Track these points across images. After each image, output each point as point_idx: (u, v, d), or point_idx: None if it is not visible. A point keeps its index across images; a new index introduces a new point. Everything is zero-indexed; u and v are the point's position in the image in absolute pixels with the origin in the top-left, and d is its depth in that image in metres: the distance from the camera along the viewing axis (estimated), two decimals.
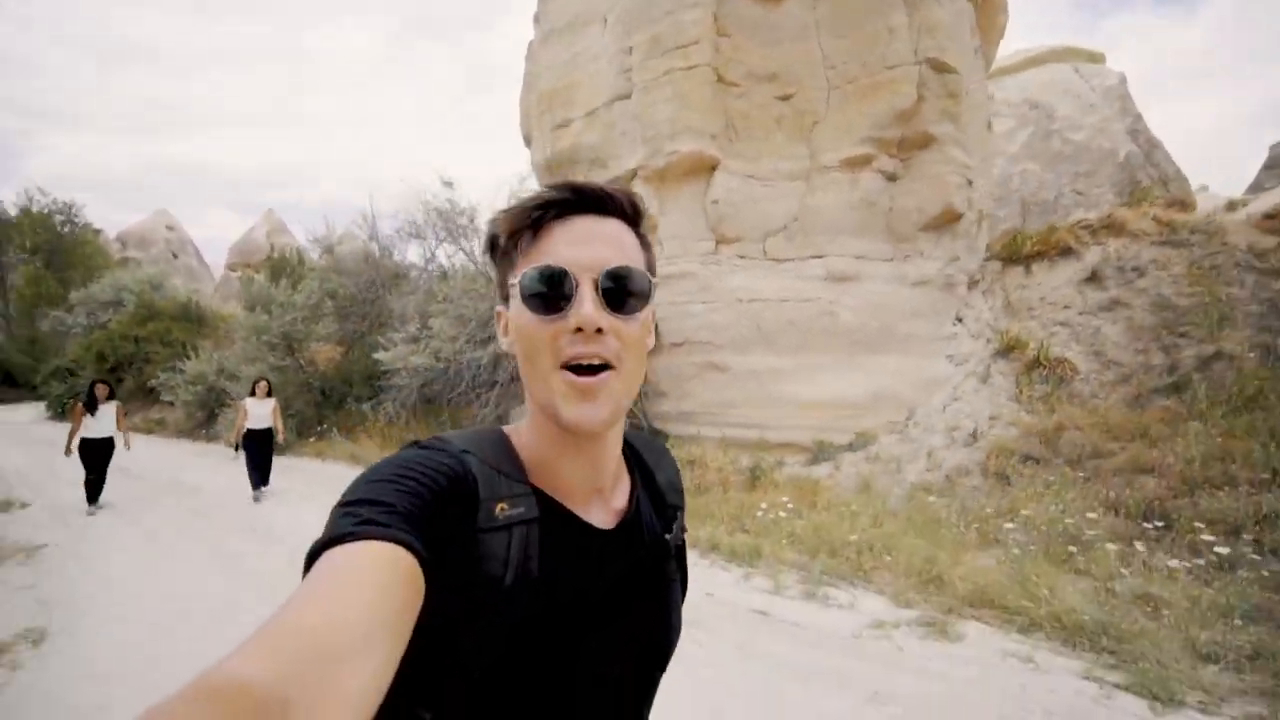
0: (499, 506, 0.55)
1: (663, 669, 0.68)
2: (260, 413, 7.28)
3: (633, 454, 0.72)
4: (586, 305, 0.54)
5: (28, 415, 18.06)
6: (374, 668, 0.37)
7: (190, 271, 45.58)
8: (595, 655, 0.58)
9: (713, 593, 3.97)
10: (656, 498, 0.71)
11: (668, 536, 0.68)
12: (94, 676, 2.86)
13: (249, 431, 7.16)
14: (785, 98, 7.58)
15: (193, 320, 17.21)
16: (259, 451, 7.16)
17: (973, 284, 8.59)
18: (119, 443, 6.82)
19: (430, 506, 0.49)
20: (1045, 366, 7.09)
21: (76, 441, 6.48)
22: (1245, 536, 3.80)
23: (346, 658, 0.36)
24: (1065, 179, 23.93)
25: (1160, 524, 4.09)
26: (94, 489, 6.46)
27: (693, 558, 5.26)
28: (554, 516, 0.58)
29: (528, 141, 9.67)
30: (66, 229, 34.49)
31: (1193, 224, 8.20)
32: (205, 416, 12.77)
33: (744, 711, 2.58)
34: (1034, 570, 3.63)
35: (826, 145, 7.46)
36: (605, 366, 0.55)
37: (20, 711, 2.55)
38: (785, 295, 7.28)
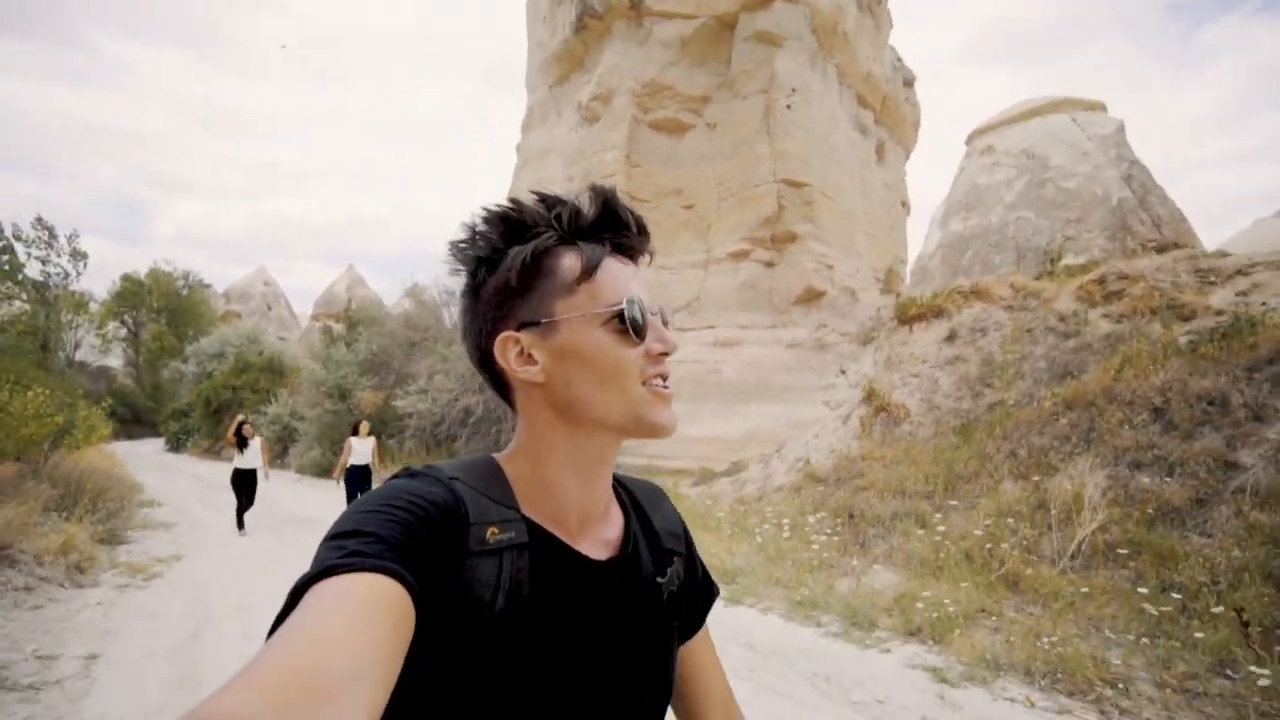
0: (489, 530, 0.54)
1: (660, 718, 0.65)
2: (362, 450, 7.76)
3: (627, 495, 0.72)
4: (669, 334, 0.59)
5: (152, 448, 22.33)
6: (365, 702, 0.37)
7: (282, 321, 51.99)
8: (586, 696, 0.57)
9: None
10: (652, 540, 0.69)
11: (660, 580, 0.66)
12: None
13: (352, 466, 7.62)
14: (688, 207, 10.04)
15: (276, 372, 21.08)
16: (361, 485, 7.64)
17: (867, 341, 10.59)
18: (260, 475, 7.78)
19: (418, 535, 0.49)
20: (886, 411, 8.97)
21: (231, 472, 7.62)
22: (894, 526, 5.74)
23: (336, 694, 0.36)
24: (1058, 225, 25.08)
25: (851, 518, 6.08)
26: (242, 514, 7.45)
27: None
28: (544, 544, 0.58)
29: None
30: (185, 291, 40.92)
31: (1035, 290, 9.90)
32: (280, 450, 16.12)
33: None
34: (755, 553, 5.73)
35: (717, 242, 9.81)
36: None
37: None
38: (683, 358, 9.58)
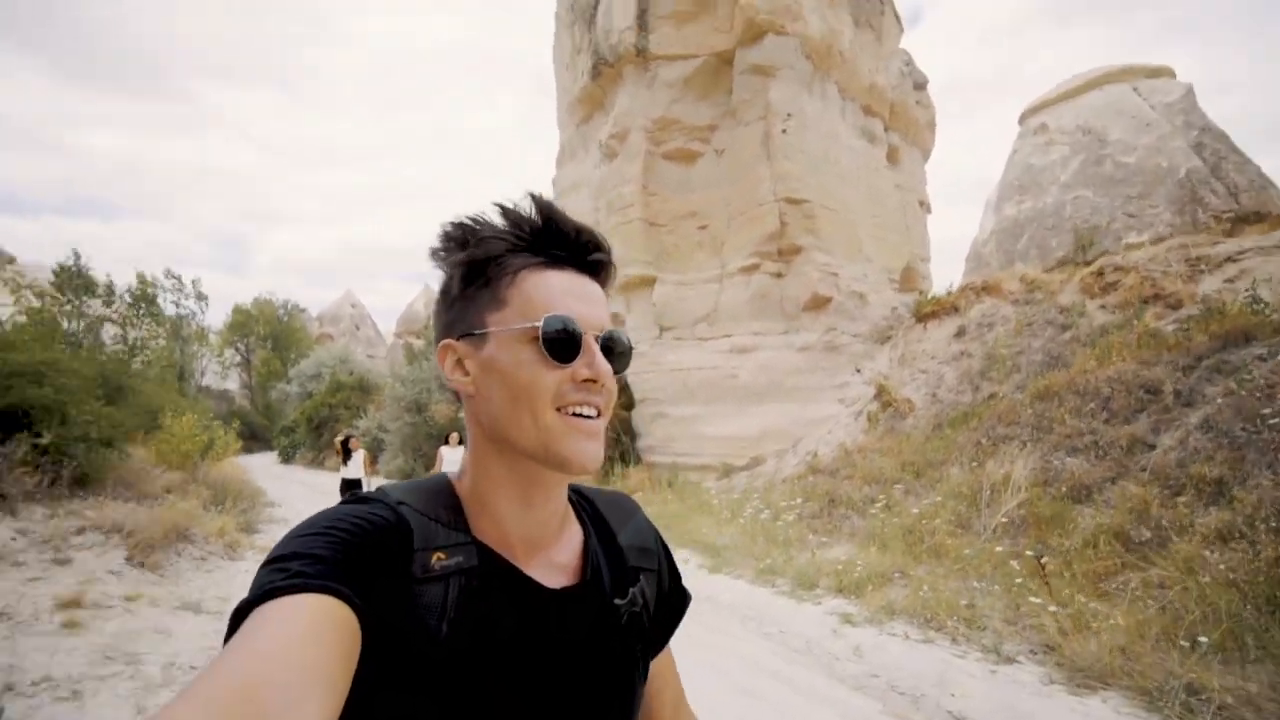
0: (435, 556, 0.53)
1: None
2: (453, 458, 8.13)
3: (591, 511, 0.69)
4: (600, 360, 0.56)
5: (267, 460, 25.58)
6: (313, 717, 0.37)
7: (369, 340, 56.57)
8: None
9: None
10: (616, 559, 0.66)
11: (618, 602, 0.62)
12: None
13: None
14: (702, 227, 11.10)
15: (365, 390, 23.74)
16: None
17: (884, 339, 11.30)
18: (365, 484, 8.16)
19: (361, 557, 0.48)
20: (893, 405, 9.66)
21: (339, 482, 8.36)
22: (864, 508, 6.60)
23: (283, 710, 0.35)
24: (1118, 203, 24.04)
25: (831, 503, 6.98)
26: None
27: None
28: (494, 569, 0.56)
29: None
30: (285, 318, 45.62)
31: (1043, 284, 10.24)
32: (371, 459, 18.43)
33: None
34: (740, 533, 6.77)
35: (730, 258, 10.81)
36: (597, 412, 0.57)
37: None
38: (702, 364, 10.65)
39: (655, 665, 0.70)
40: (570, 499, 0.66)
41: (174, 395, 12.75)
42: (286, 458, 25.01)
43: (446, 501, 0.58)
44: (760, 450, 10.08)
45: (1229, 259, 7.87)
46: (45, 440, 5.33)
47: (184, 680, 3.36)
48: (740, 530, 6.80)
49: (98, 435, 6.06)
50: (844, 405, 10.45)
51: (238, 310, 43.51)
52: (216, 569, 5.56)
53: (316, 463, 23.06)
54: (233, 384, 45.90)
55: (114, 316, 17.22)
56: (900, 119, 12.97)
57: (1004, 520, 5.19)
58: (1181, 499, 4.33)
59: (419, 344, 27.90)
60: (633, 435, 11.87)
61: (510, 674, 0.54)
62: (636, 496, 9.68)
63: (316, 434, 23.24)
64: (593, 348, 0.56)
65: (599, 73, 11.59)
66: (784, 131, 10.06)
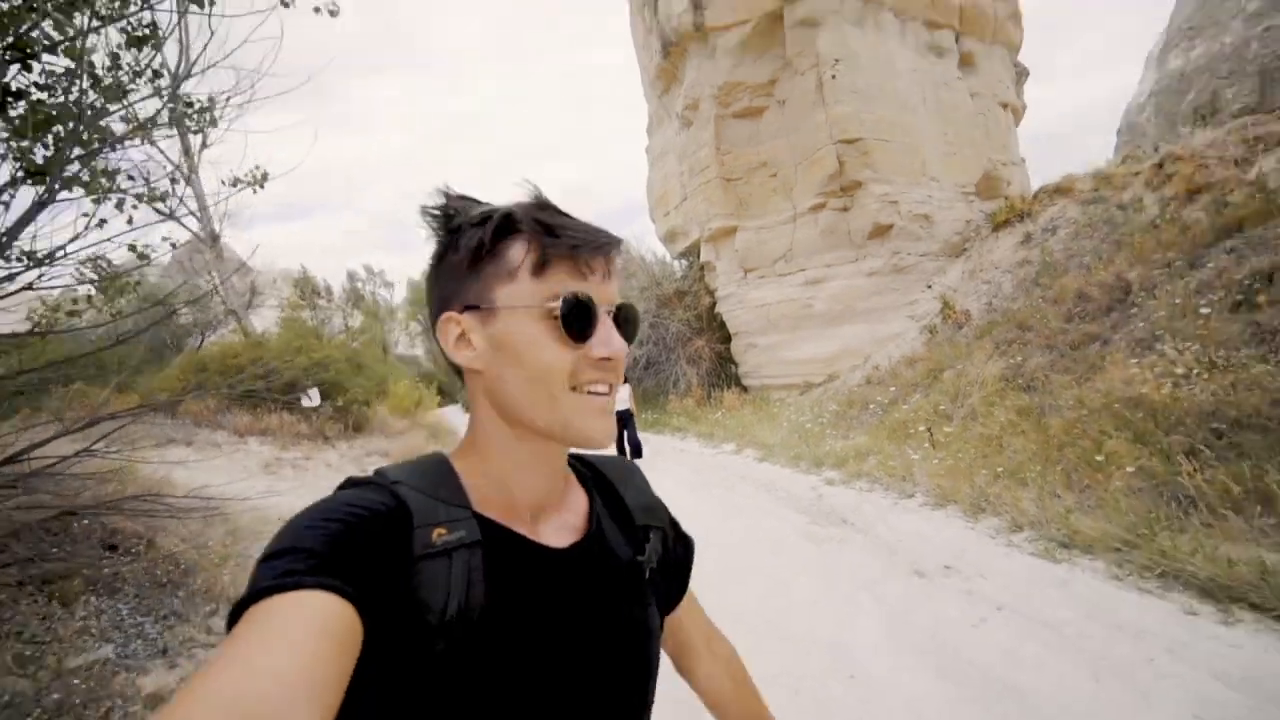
0: (435, 532, 0.53)
1: (644, 706, 0.63)
2: (622, 395, 8.69)
3: (591, 472, 0.71)
4: (615, 338, 0.56)
5: (453, 410, 31.58)
6: None
7: None
8: (561, 691, 0.55)
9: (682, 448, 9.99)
10: (624, 518, 0.68)
11: (639, 559, 0.65)
12: None
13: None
14: (773, 175, 12.47)
15: None
16: (625, 426, 8.98)
17: (959, 253, 12.13)
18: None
19: (356, 545, 0.48)
20: (952, 317, 10.64)
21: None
22: (886, 408, 8.20)
23: (279, 717, 0.35)
24: None
25: (866, 406, 8.62)
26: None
27: (671, 439, 10.76)
28: (499, 540, 0.56)
29: (653, 218, 16.06)
30: None
31: (1116, 179, 10.27)
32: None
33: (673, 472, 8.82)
34: (788, 433, 8.77)
35: (800, 200, 12.13)
36: (609, 386, 0.58)
37: None
38: (781, 298, 12.31)
39: (681, 610, 0.75)
40: (570, 463, 0.68)
41: (392, 366, 17.25)
42: (469, 408, 30.55)
43: (444, 478, 0.58)
44: (836, 368, 11.67)
45: None
46: (340, 403, 8.91)
47: None
48: (789, 432, 8.81)
49: (363, 398, 9.67)
50: (913, 321, 11.56)
51: (414, 287, 51.31)
52: None
53: None
54: (419, 350, 54.83)
55: (335, 309, 22.63)
56: (972, 22, 12.81)
57: (971, 408, 6.64)
58: (1094, 384, 5.58)
59: None
60: (732, 364, 13.99)
61: (526, 642, 0.54)
62: (723, 412, 11.92)
63: None
64: (608, 324, 0.56)
65: (667, 52, 13.10)
66: (834, 77, 10.99)
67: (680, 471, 8.04)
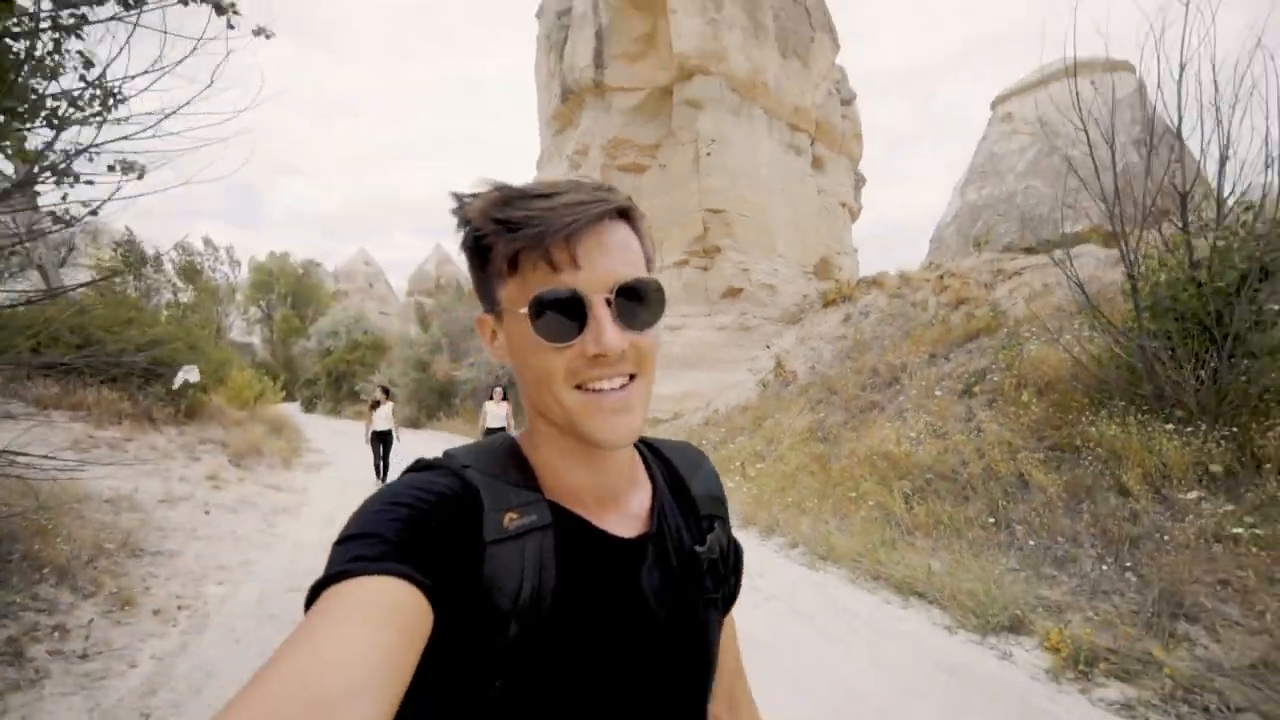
0: (508, 516, 0.52)
1: (704, 699, 0.63)
2: (497, 413, 8.54)
3: (661, 461, 0.69)
4: (607, 332, 0.50)
5: (291, 409, 29.02)
6: (375, 713, 0.37)
7: (382, 298, 59.43)
8: (625, 680, 0.55)
9: None
10: (689, 508, 0.66)
11: (699, 549, 0.63)
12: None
13: (488, 429, 8.45)
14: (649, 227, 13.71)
15: (379, 348, 26.87)
16: None
17: (795, 321, 14.04)
18: (395, 434, 8.91)
19: (427, 530, 0.48)
20: (782, 375, 12.45)
21: (369, 433, 8.81)
22: (717, 446, 9.50)
23: (344, 704, 0.36)
24: (1062, 194, 26.19)
25: (700, 442, 9.88)
26: (380, 469, 8.76)
27: None
28: (568, 525, 0.56)
29: None
30: (303, 275, 48.58)
31: (912, 281, 12.83)
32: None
33: None
34: None
35: (667, 254, 13.46)
36: (629, 377, 0.54)
37: None
38: None
39: (725, 633, 0.70)
40: (639, 449, 0.66)
41: (226, 352, 15.85)
42: (309, 407, 28.38)
43: (514, 461, 0.58)
44: (682, 407, 12.97)
45: (1016, 273, 10.46)
46: (175, 387, 8.34)
47: (282, 508, 6.40)
48: None
49: (198, 382, 9.08)
50: (752, 374, 13.26)
51: (258, 269, 46.51)
52: (279, 472, 8.64)
53: (335, 412, 26.37)
54: (255, 338, 49.44)
55: (167, 283, 20.21)
56: (826, 133, 15.32)
57: (779, 452, 8.05)
58: (864, 440, 7.15)
59: (429, 304, 30.91)
60: None
61: (595, 629, 0.54)
62: None
63: (336, 387, 26.51)
64: (600, 317, 0.50)
65: (566, 98, 14.05)
66: (708, 154, 12.58)
67: None
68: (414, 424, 18.76)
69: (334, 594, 0.42)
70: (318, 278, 51.95)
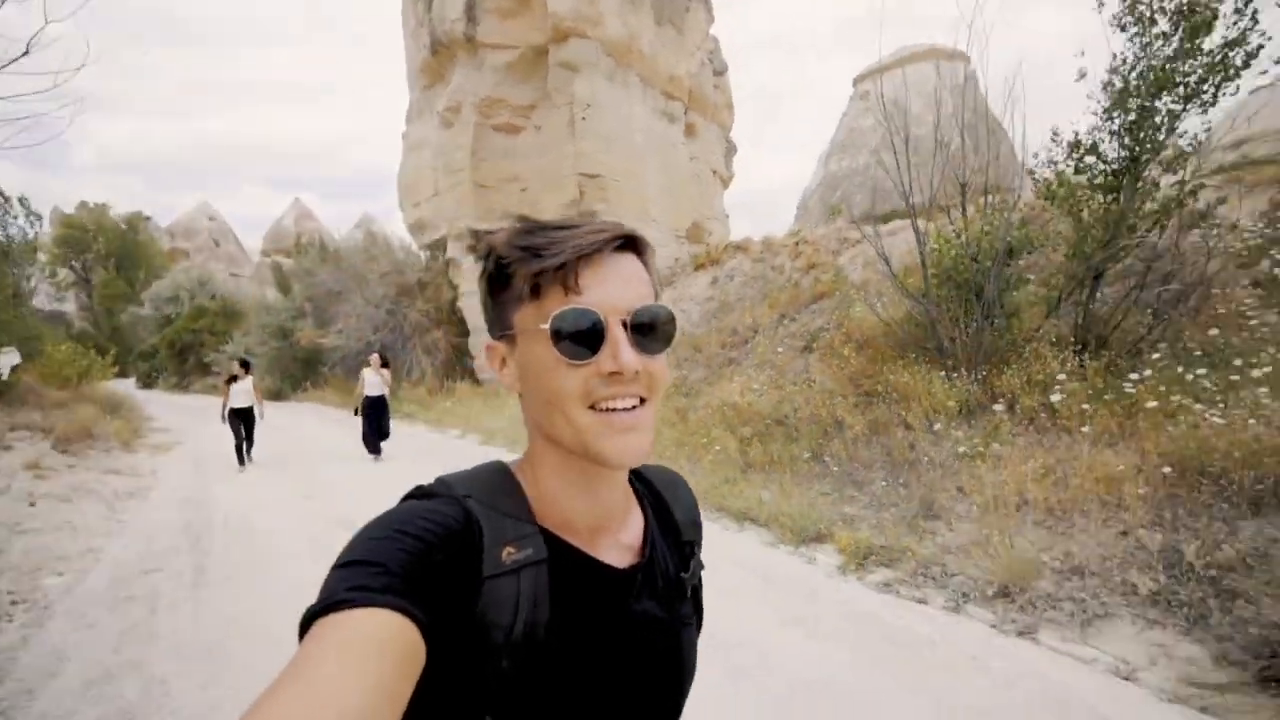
0: (505, 551, 0.53)
1: (679, 715, 0.66)
2: (375, 381, 8.22)
3: (646, 487, 0.70)
4: (625, 351, 0.53)
5: (125, 385, 25.72)
6: None
7: (231, 258, 53.21)
8: (611, 707, 0.58)
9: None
10: (672, 534, 0.68)
11: (683, 576, 0.66)
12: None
13: (366, 397, 8.12)
14: (524, 190, 13.65)
15: (230, 315, 24.36)
16: (378, 416, 8.13)
17: (668, 284, 14.67)
18: (257, 411, 8.02)
19: (429, 562, 0.48)
20: None
21: (226, 411, 7.81)
22: None
23: None
24: (906, 170, 29.02)
25: None
26: (242, 452, 7.76)
27: (402, 424, 11.50)
28: (564, 557, 0.57)
29: (402, 206, 15.96)
30: (130, 233, 42.26)
31: (773, 246, 13.96)
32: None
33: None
34: (514, 422, 9.99)
35: (543, 217, 13.46)
36: (640, 401, 0.55)
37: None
38: None
39: None
40: (629, 476, 0.67)
41: (31, 322, 13.77)
42: (147, 383, 25.32)
43: (510, 490, 0.58)
44: None
45: (857, 241, 11.80)
46: None
47: (127, 492, 6.04)
48: (510, 421, 10.06)
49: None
50: None
51: (67, 221, 39.71)
52: (119, 456, 7.95)
53: (180, 387, 23.76)
54: (70, 305, 42.53)
55: None
56: (698, 101, 15.89)
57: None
58: (717, 393, 7.97)
59: (289, 264, 28.06)
60: (469, 357, 14.75)
61: (587, 662, 0.55)
62: (454, 401, 12.70)
63: (180, 360, 23.83)
64: (617, 337, 0.53)
65: (435, 50, 13.39)
66: (584, 118, 12.68)
67: (410, 449, 8.64)
68: (277, 395, 17.55)
69: (332, 624, 0.42)
70: (148, 234, 45.42)
